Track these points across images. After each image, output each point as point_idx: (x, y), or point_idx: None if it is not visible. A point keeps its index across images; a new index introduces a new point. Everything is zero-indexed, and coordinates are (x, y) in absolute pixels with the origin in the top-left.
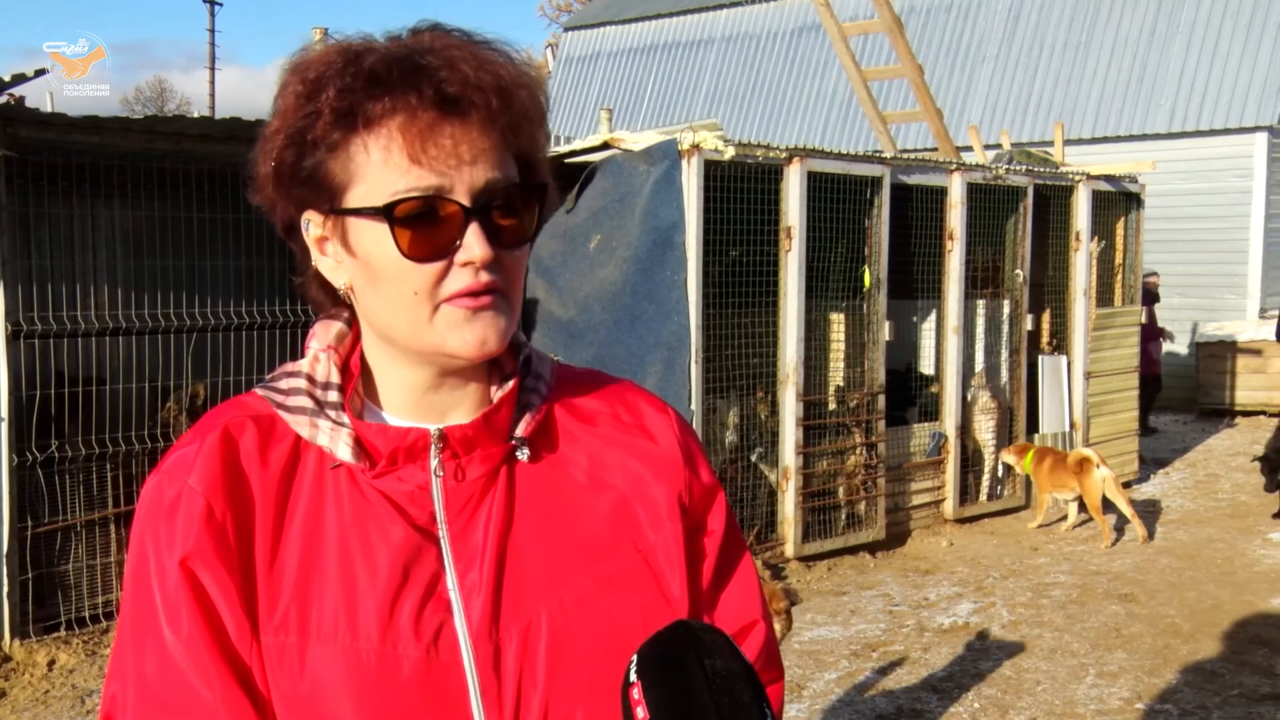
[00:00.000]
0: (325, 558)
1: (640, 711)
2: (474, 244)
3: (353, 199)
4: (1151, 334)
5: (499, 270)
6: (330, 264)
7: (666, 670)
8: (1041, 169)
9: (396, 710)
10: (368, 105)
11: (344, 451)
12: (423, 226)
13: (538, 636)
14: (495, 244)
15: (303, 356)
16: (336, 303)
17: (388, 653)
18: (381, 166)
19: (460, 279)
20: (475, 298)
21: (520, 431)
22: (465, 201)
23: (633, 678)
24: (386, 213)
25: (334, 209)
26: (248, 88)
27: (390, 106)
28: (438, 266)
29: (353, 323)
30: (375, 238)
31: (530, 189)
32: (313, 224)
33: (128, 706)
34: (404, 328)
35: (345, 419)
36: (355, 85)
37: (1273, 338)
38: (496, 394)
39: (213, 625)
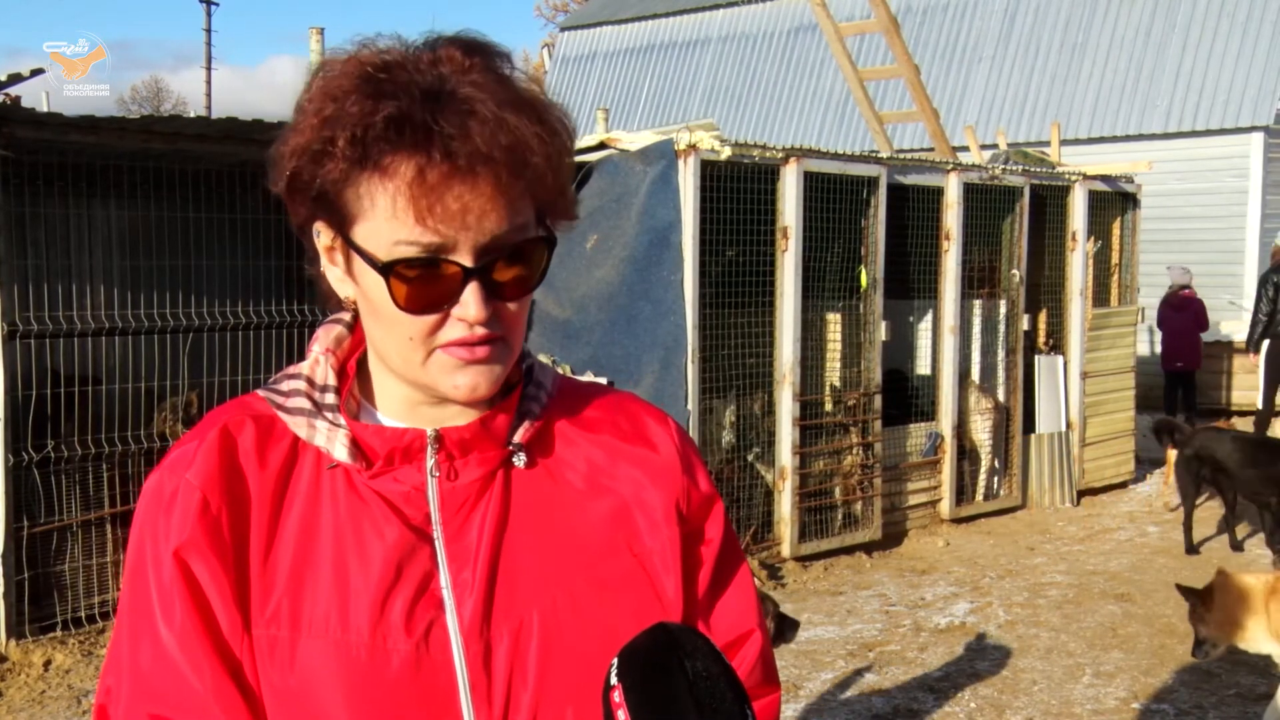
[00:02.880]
0: (319, 554)
1: (621, 714)
2: (470, 303)
3: (358, 234)
4: (1199, 326)
5: (497, 323)
6: (337, 274)
7: (648, 672)
8: (1038, 169)
9: (385, 704)
10: (380, 158)
11: (341, 452)
12: (420, 283)
13: (529, 636)
14: (495, 299)
15: (305, 359)
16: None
17: (378, 647)
18: (387, 215)
19: (456, 329)
20: (471, 349)
21: (518, 438)
22: (467, 261)
23: (614, 680)
24: (384, 270)
25: (341, 233)
26: (240, 87)
27: (403, 159)
28: (434, 317)
29: (354, 326)
30: (374, 279)
31: (539, 239)
32: (323, 234)
33: (121, 698)
34: (398, 363)
35: (342, 420)
36: (368, 137)
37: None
38: (496, 402)
39: (205, 617)
